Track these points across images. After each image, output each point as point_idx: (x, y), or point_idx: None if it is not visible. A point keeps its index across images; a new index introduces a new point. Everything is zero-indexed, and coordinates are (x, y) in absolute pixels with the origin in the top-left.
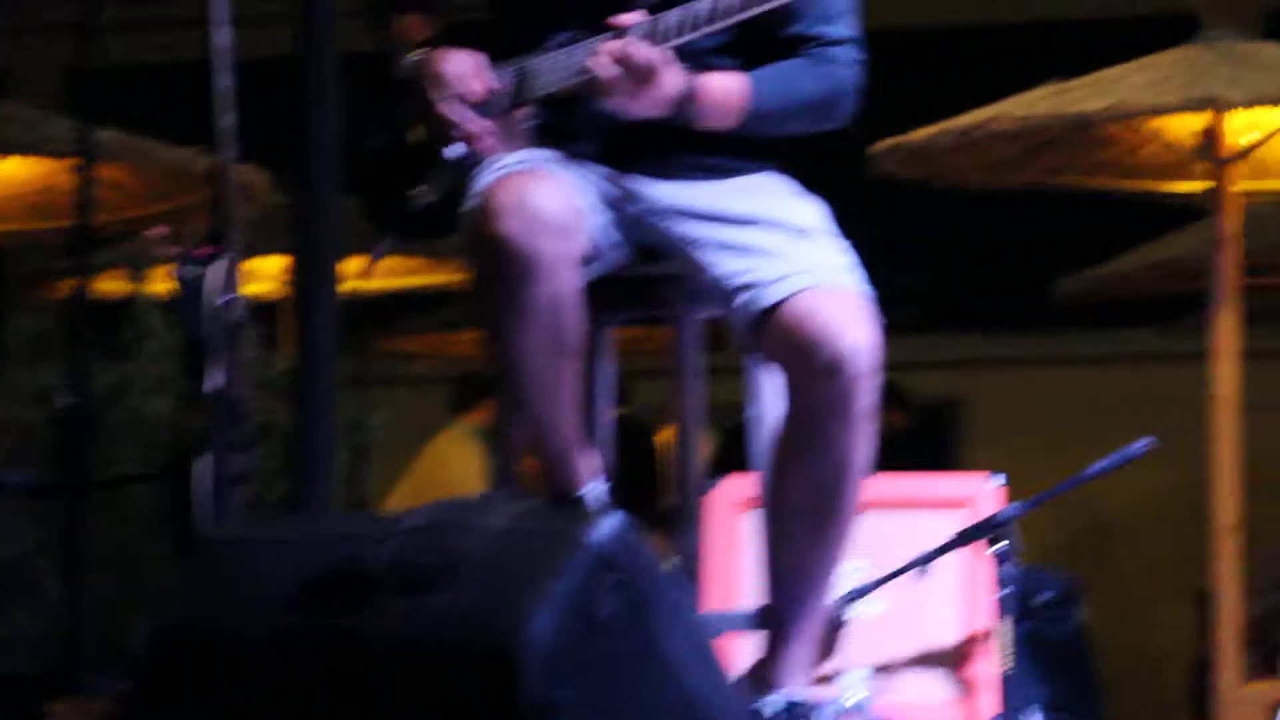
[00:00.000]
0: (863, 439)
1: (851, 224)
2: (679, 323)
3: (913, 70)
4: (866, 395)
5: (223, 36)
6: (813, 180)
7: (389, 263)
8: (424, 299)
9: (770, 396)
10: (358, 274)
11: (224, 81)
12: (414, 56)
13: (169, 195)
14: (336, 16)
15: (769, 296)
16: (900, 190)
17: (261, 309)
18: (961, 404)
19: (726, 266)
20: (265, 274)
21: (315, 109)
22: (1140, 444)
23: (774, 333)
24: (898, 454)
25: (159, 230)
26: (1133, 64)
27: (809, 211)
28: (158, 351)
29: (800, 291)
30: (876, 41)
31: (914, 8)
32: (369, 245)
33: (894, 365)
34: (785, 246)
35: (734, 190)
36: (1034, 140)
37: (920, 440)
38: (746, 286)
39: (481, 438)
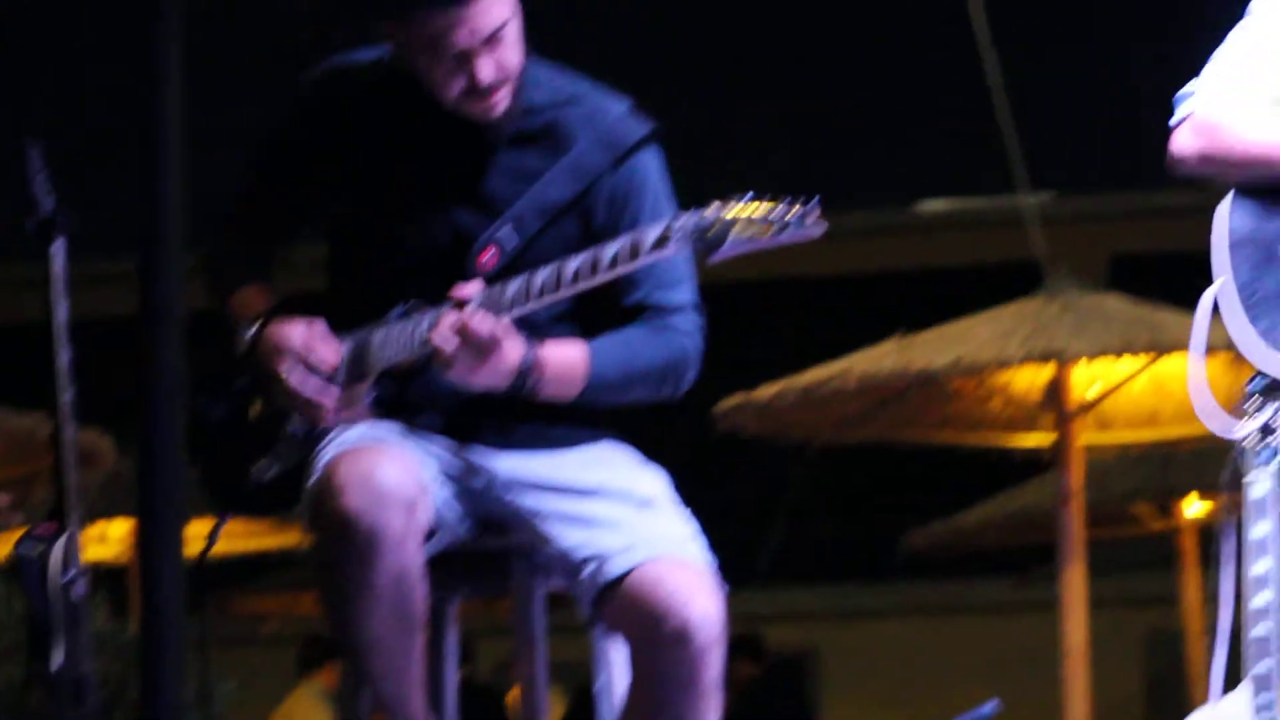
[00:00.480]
0: (711, 707)
1: (703, 480)
2: (524, 596)
3: (759, 323)
4: (714, 664)
5: (61, 312)
6: (660, 437)
7: (235, 525)
8: (271, 561)
9: (617, 666)
10: (203, 541)
11: (63, 356)
12: (254, 329)
13: (12, 462)
14: (180, 280)
15: (614, 568)
16: (750, 446)
17: (110, 574)
18: (814, 655)
19: (571, 539)
20: (113, 538)
21: (157, 372)
22: (989, 706)
23: (620, 604)
24: (751, 705)
25: (2, 498)
26: (978, 317)
27: (651, 481)
28: (3, 620)
29: (645, 563)
30: (722, 294)
31: (758, 260)
32: (214, 508)
33: (747, 617)
34: (629, 517)
35: (576, 461)
36: (880, 395)
37: (773, 692)
38: (591, 559)
39: (330, 699)
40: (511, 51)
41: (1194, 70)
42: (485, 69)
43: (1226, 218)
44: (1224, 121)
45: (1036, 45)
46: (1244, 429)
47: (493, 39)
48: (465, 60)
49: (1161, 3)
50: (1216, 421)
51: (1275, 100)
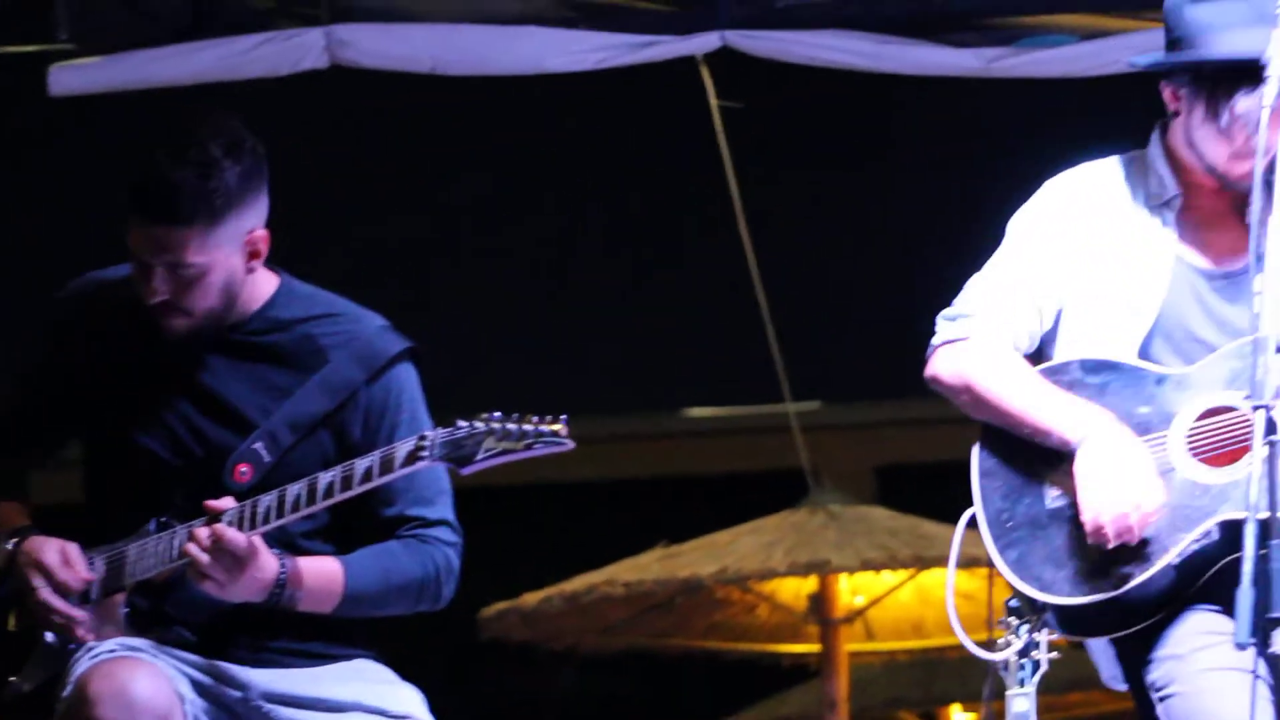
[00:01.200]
0: None
1: (466, 685)
2: None
3: (525, 528)
4: None
5: None
6: (414, 643)
7: None
8: None
9: None
10: None
11: None
12: (8, 544)
13: None
14: None
15: None
16: (515, 651)
17: None
18: None
19: None
20: None
21: None
22: None
23: None
24: None
25: None
26: (744, 527)
27: (407, 698)
28: None
29: None
30: (488, 498)
31: (524, 464)
32: None
33: None
34: None
35: (331, 677)
36: (646, 602)
37: None
38: None
39: None
40: (195, 292)
41: (961, 282)
42: (153, 287)
43: (978, 448)
44: (974, 362)
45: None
46: (1002, 648)
47: (175, 266)
48: (145, 271)
49: (932, 213)
50: (969, 642)
51: (1038, 310)
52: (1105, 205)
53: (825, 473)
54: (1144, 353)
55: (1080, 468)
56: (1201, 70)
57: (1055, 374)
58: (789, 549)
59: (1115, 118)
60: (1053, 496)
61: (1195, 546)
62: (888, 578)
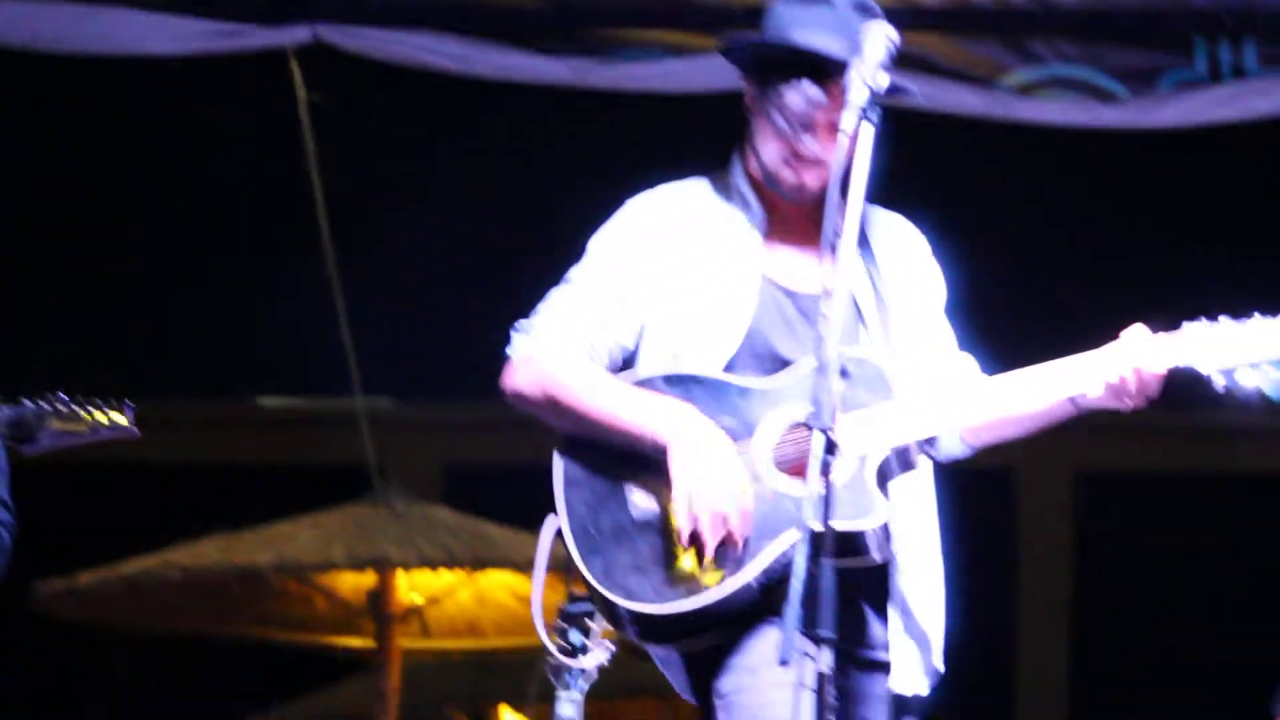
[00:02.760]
0: None
1: (18, 664)
2: None
3: (86, 508)
4: None
5: None
6: None
7: None
8: None
9: None
10: None
11: None
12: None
13: None
14: None
15: None
16: (69, 631)
17: None
18: None
19: None
20: None
21: None
22: None
23: None
24: None
25: None
26: (305, 518)
27: None
28: None
29: None
30: (53, 476)
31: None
32: None
33: None
34: None
35: None
36: (203, 589)
37: None
38: None
39: None
40: None
41: (542, 292)
42: None
43: (560, 456)
44: (555, 372)
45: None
46: (556, 651)
47: None
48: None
49: (521, 220)
50: (553, 645)
51: (615, 328)
52: (689, 225)
53: (394, 470)
54: (730, 372)
55: (676, 466)
56: (764, 60)
57: (640, 384)
58: (349, 543)
59: (707, 137)
60: (637, 505)
61: (779, 558)
62: (446, 577)
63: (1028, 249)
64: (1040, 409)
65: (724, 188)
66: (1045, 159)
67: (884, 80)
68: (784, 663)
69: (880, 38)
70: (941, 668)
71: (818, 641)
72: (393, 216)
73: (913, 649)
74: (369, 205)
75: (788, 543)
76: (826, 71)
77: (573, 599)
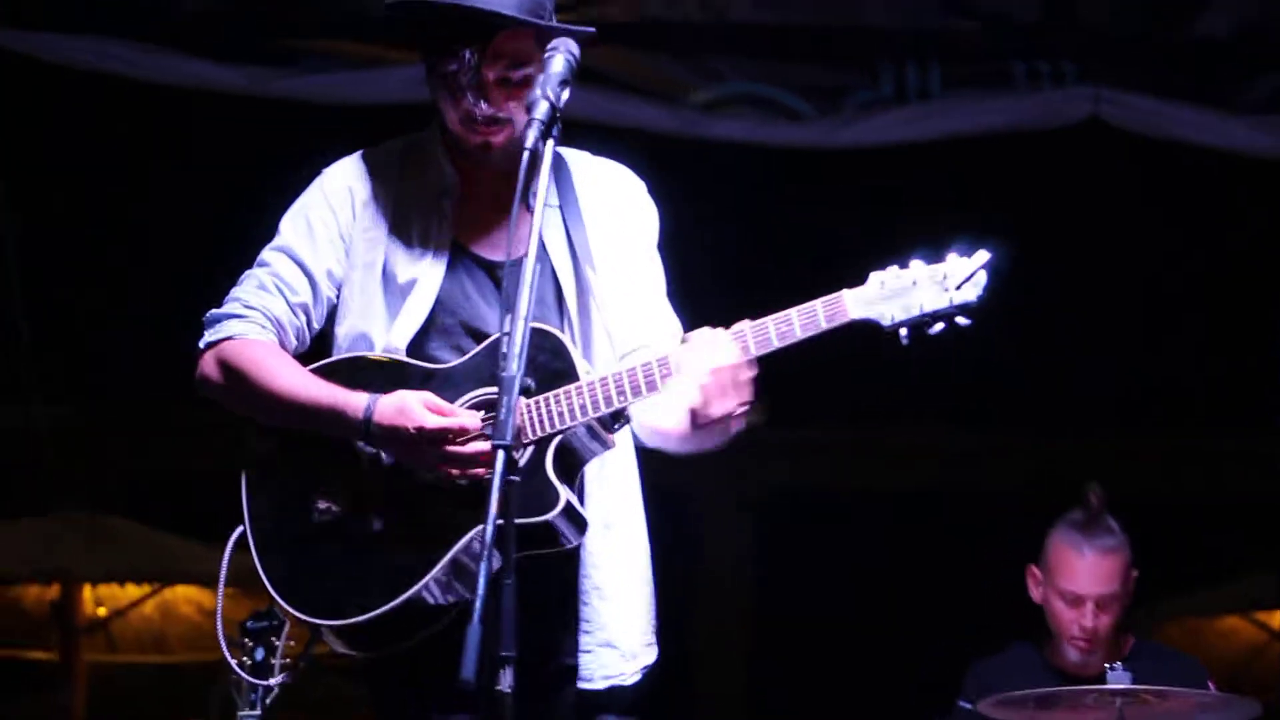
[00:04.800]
0: None
1: None
2: None
3: None
4: None
5: None
6: None
7: None
8: None
9: None
10: None
11: None
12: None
13: None
14: None
15: None
16: None
17: None
18: None
19: None
20: None
21: None
22: None
23: None
24: None
25: None
26: None
27: None
28: None
29: None
30: None
31: None
32: None
33: None
34: None
35: None
36: None
37: None
38: None
39: None
40: None
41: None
42: None
43: (246, 469)
44: (243, 356)
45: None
46: (238, 668)
47: None
48: None
49: (206, 224)
50: (235, 663)
51: (304, 303)
52: (379, 191)
53: (79, 480)
54: (420, 344)
55: (386, 428)
56: (424, 25)
57: (327, 374)
58: (33, 555)
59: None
60: (320, 509)
61: (457, 559)
62: (131, 590)
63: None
64: (672, 428)
65: (420, 152)
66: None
67: (565, 95)
68: (466, 681)
69: (562, 54)
70: (653, 653)
71: (501, 662)
72: (73, 224)
73: (610, 637)
74: (51, 212)
75: (466, 542)
76: (484, 30)
77: (256, 615)
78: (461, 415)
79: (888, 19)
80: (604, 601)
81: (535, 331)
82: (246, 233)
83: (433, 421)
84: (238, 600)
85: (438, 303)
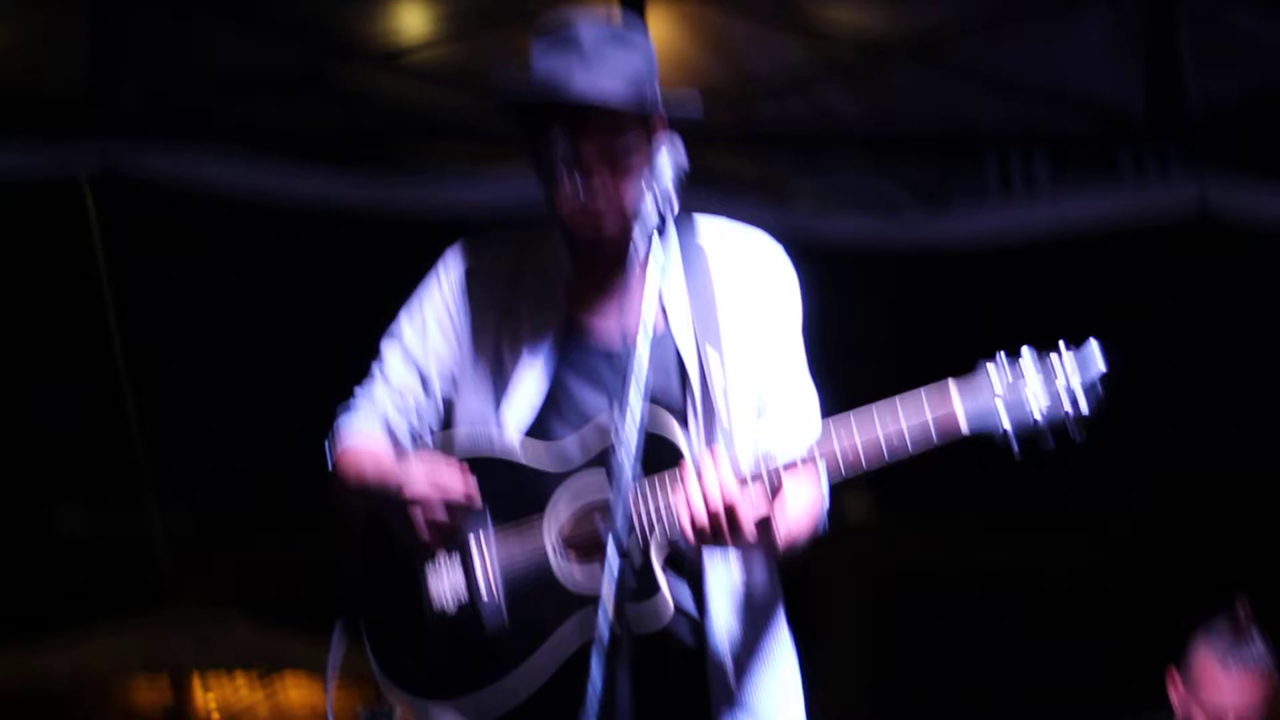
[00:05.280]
0: None
1: None
2: None
3: None
4: None
5: None
6: None
7: None
8: None
9: None
10: None
11: None
12: None
13: None
14: None
15: None
16: None
17: None
18: None
19: None
20: None
21: None
22: None
23: None
24: None
25: None
26: (100, 628)
27: None
28: None
29: None
30: None
31: None
32: None
33: None
34: None
35: None
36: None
37: None
38: None
39: None
40: None
41: None
42: None
43: (352, 554)
44: (344, 443)
45: None
46: None
47: None
48: None
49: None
50: None
51: (418, 382)
52: (493, 273)
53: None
54: (540, 426)
55: (403, 486)
56: (522, 112)
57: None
58: (144, 651)
59: None
60: (429, 595)
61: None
62: (244, 693)
63: None
64: None
65: (538, 237)
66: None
67: (675, 202)
68: None
69: (668, 162)
70: None
71: None
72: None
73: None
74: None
75: (569, 628)
76: (582, 111)
77: (366, 702)
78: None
79: (999, 117)
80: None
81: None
82: (358, 346)
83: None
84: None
85: (551, 391)
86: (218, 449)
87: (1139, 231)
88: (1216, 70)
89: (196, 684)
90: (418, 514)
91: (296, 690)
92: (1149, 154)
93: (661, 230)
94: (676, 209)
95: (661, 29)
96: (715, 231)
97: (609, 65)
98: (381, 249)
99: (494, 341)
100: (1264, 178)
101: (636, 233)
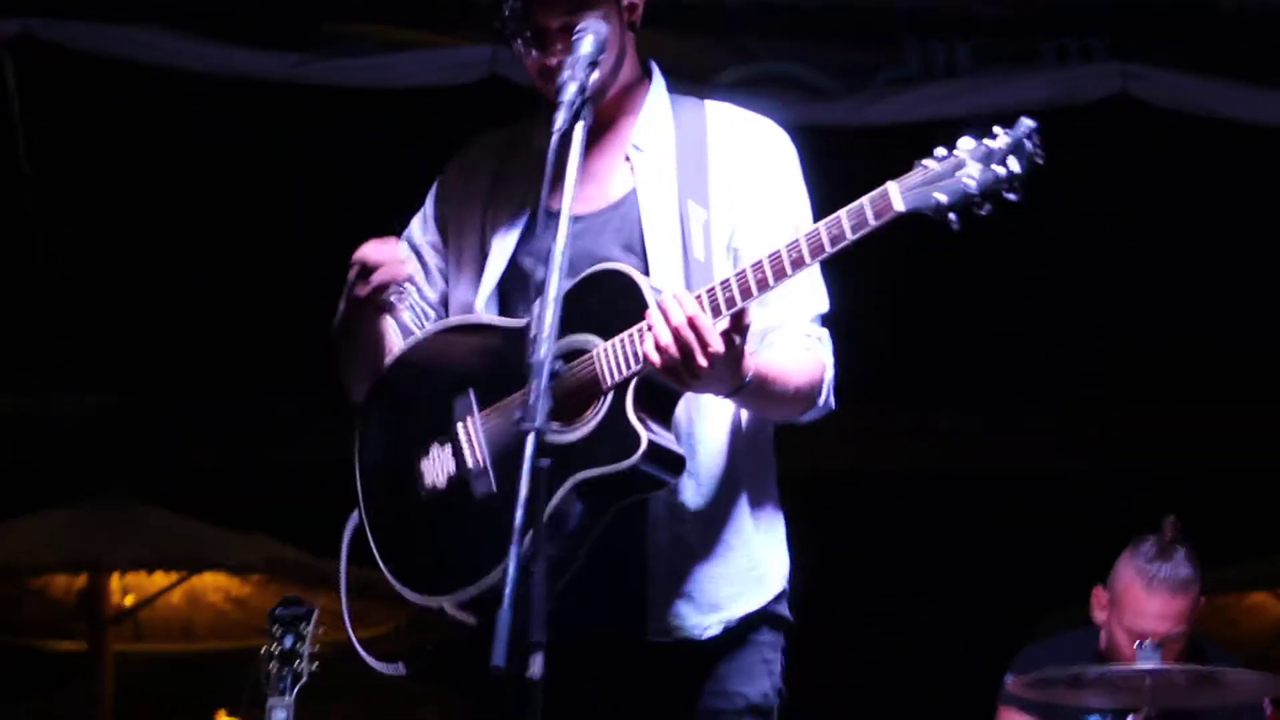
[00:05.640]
0: None
1: None
2: None
3: None
4: None
5: None
6: None
7: None
8: None
9: None
10: None
11: None
12: None
13: None
14: None
15: None
16: None
17: None
18: None
19: None
20: None
21: None
22: None
23: None
24: None
25: None
26: (17, 520)
27: None
28: None
29: None
30: None
31: None
32: None
33: None
34: None
35: None
36: None
37: None
38: None
39: None
40: None
41: None
42: None
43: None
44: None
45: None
46: (267, 654)
47: None
48: None
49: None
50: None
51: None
52: (486, 166)
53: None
54: (505, 307)
55: None
56: None
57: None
58: (62, 544)
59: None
60: (425, 485)
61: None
62: (159, 578)
63: None
64: None
65: (536, 124)
66: None
67: (595, 77)
68: (496, 670)
69: (590, 34)
70: (743, 606)
71: (531, 648)
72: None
73: (689, 589)
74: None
75: (559, 498)
76: None
77: (285, 601)
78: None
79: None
80: (681, 554)
81: (601, 274)
82: (289, 225)
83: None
84: (264, 587)
85: (512, 264)
86: (137, 329)
87: (1060, 110)
88: None
89: (114, 575)
90: (351, 275)
91: (212, 578)
92: (1072, 44)
93: (580, 107)
94: (596, 81)
95: None
96: (720, 112)
97: None
98: (299, 119)
99: (478, 232)
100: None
101: (557, 122)
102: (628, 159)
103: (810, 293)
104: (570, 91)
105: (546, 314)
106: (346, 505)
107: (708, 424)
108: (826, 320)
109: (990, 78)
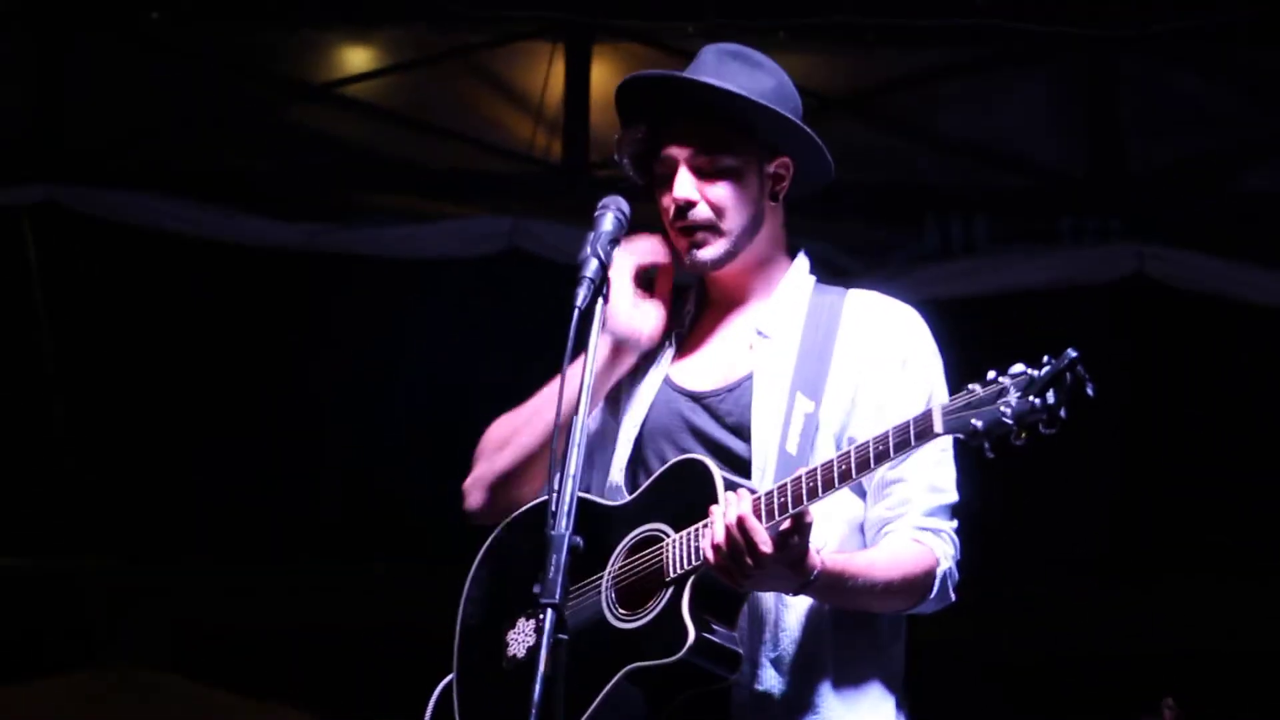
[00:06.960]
0: None
1: None
2: None
3: None
4: None
5: None
6: None
7: None
8: None
9: None
10: None
11: None
12: None
13: None
14: None
15: None
16: None
17: None
18: None
19: None
20: None
21: None
22: None
23: None
24: None
25: None
26: (28, 686)
27: None
28: None
29: None
30: None
31: None
32: None
33: None
34: None
35: None
36: None
37: None
38: None
39: None
40: None
41: None
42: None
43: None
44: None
45: None
46: None
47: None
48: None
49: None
50: None
51: None
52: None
53: (124, 634)
54: (632, 481)
55: None
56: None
57: None
58: (73, 711)
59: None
60: (508, 649)
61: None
62: None
63: None
64: None
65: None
66: None
67: (608, 256)
68: None
69: (612, 212)
70: None
71: None
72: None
73: None
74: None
75: (611, 686)
76: (695, 115)
77: None
78: None
79: (938, 175)
80: None
81: (682, 464)
82: (306, 392)
83: None
84: None
85: (640, 438)
86: (156, 492)
87: (1077, 290)
88: (1155, 134)
89: None
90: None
91: None
92: (1090, 222)
93: (600, 283)
94: (610, 261)
95: (604, 71)
96: (858, 300)
97: (729, 71)
98: (319, 286)
99: (608, 411)
100: (1199, 248)
101: (578, 299)
102: (751, 345)
103: (932, 484)
104: (592, 268)
105: (566, 488)
106: (363, 668)
107: (791, 612)
108: (955, 511)
109: (1007, 257)
